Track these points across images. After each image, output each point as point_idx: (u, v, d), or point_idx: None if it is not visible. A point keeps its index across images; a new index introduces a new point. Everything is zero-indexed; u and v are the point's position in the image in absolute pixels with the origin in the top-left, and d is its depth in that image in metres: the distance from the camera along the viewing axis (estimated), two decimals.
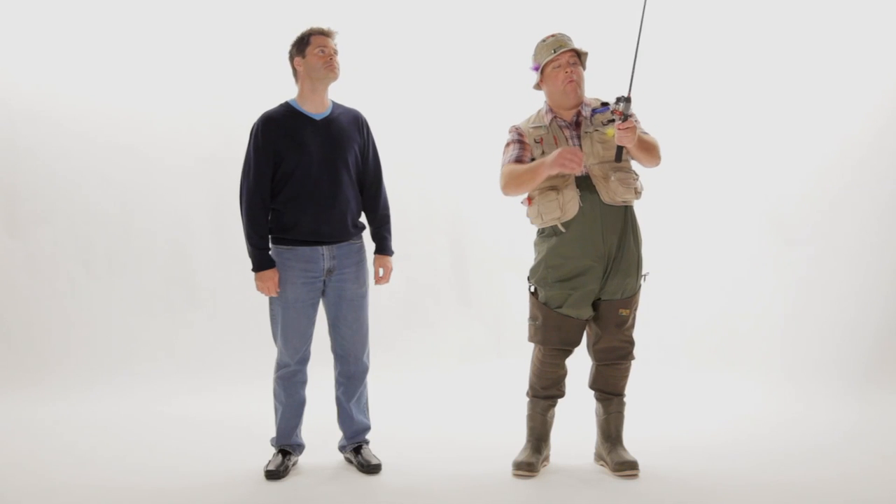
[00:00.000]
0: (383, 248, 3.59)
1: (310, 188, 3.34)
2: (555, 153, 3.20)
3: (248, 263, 3.39)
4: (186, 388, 4.84)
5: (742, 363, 5.00)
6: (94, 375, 4.96)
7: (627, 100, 3.15)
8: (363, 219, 3.55)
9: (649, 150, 3.31)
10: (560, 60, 3.34)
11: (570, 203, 3.29)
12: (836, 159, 5.08)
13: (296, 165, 3.33)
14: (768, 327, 5.08)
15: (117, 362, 5.07)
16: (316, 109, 3.41)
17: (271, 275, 3.36)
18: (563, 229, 3.32)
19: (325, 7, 5.21)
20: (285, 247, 3.38)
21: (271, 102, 3.48)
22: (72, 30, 5.36)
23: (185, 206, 5.45)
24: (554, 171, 3.21)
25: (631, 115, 3.18)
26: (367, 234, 3.57)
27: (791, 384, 4.69)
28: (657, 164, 3.37)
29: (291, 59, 3.42)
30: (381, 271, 3.60)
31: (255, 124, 3.40)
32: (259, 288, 3.39)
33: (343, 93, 3.54)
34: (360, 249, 3.51)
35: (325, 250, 3.40)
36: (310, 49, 3.36)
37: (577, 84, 3.33)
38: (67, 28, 5.35)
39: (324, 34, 3.38)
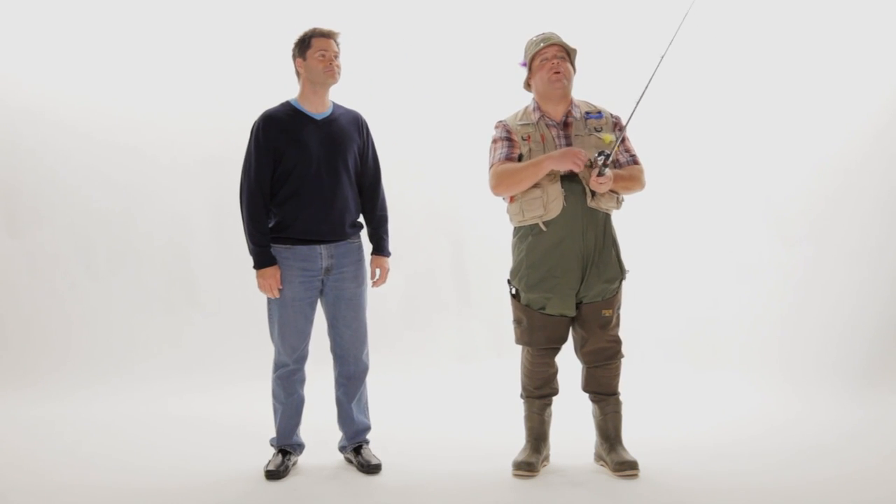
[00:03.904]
0: (380, 248, 3.59)
1: (309, 187, 3.34)
2: (561, 151, 3.25)
3: (249, 262, 3.39)
4: (186, 388, 4.84)
5: (741, 363, 5.00)
6: (94, 375, 4.95)
7: (608, 159, 3.21)
8: (361, 219, 3.56)
9: (627, 187, 3.39)
10: (546, 53, 3.38)
11: (555, 202, 3.31)
12: (835, 159, 5.07)
13: (295, 164, 3.33)
14: (768, 327, 5.08)
15: (117, 362, 5.07)
16: (317, 109, 3.42)
17: (273, 272, 3.35)
18: (543, 228, 3.33)
19: (324, 7, 5.21)
20: (283, 245, 3.38)
21: (271, 102, 3.49)
22: (72, 30, 5.35)
23: (185, 206, 5.44)
24: (561, 168, 3.24)
25: (607, 169, 3.24)
26: (364, 235, 3.58)
27: (790, 384, 4.68)
28: (640, 190, 3.45)
29: (293, 58, 3.43)
30: (377, 272, 3.60)
31: (255, 122, 3.40)
32: (260, 286, 3.38)
33: (343, 93, 3.54)
34: (359, 249, 3.52)
35: (322, 249, 3.40)
36: (311, 52, 3.36)
37: (562, 76, 3.35)
38: (68, 28, 5.34)
39: (325, 36, 3.37)
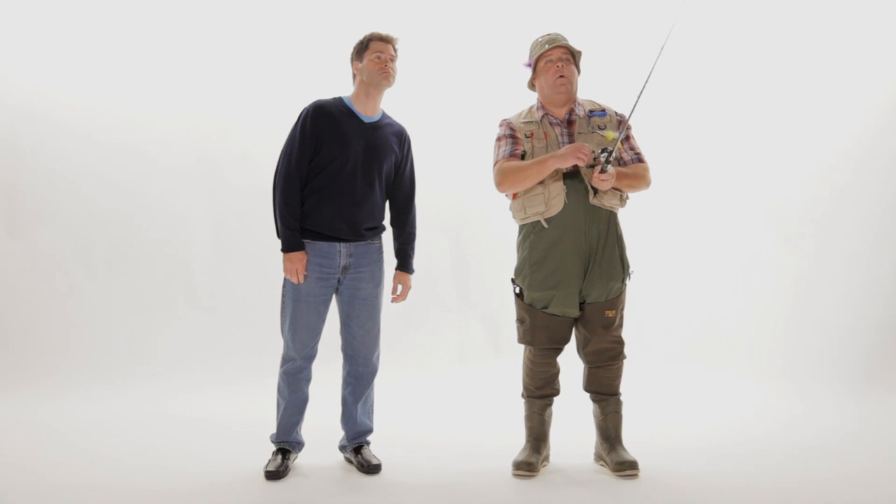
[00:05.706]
0: (406, 265, 3.61)
1: (340, 184, 3.35)
2: (565, 148, 3.25)
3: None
4: (186, 388, 4.84)
5: (742, 363, 5.00)
6: (94, 375, 4.95)
7: (610, 155, 3.22)
8: (385, 222, 3.56)
9: (632, 185, 3.39)
10: (551, 55, 3.39)
11: (556, 198, 3.31)
12: (836, 159, 5.08)
13: (332, 159, 3.35)
14: (768, 327, 5.08)
15: (117, 362, 5.07)
16: (367, 112, 3.44)
17: (300, 257, 3.35)
18: (545, 224, 3.34)
19: (325, 10, 5.21)
20: (304, 240, 3.38)
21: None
22: (72, 30, 5.36)
23: (184, 206, 5.44)
24: (565, 165, 3.24)
25: (609, 166, 3.24)
26: (386, 240, 3.58)
27: (791, 384, 4.69)
28: (645, 188, 3.45)
29: (351, 61, 3.46)
30: (399, 288, 3.61)
31: (306, 108, 3.41)
32: (286, 270, 3.37)
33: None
34: (379, 250, 3.53)
35: (342, 247, 3.40)
36: (367, 54, 3.40)
37: (567, 80, 3.37)
38: (67, 28, 5.35)
39: (383, 40, 3.41)
